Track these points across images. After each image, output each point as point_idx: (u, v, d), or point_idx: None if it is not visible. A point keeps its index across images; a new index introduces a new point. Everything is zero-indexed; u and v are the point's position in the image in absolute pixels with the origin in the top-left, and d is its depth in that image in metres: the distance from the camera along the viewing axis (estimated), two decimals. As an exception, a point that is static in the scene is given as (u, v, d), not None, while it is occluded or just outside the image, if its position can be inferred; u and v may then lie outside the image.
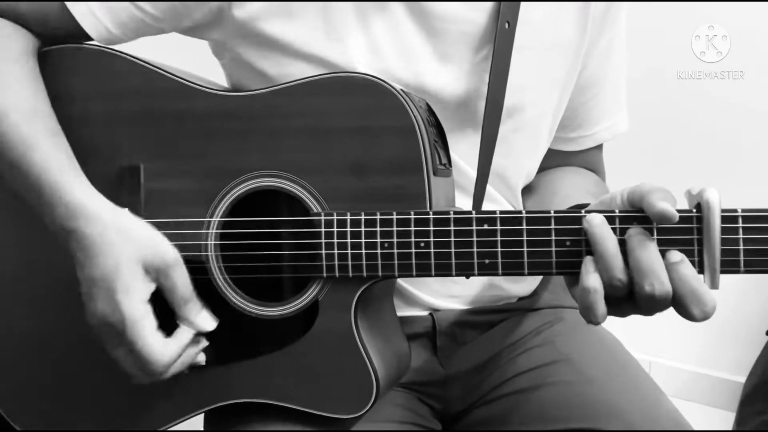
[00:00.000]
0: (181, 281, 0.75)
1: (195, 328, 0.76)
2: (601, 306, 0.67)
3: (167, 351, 0.74)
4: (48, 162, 0.75)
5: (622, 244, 0.67)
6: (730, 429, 1.79)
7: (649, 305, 0.66)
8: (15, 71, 0.79)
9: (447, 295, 0.94)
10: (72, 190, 0.74)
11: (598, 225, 0.67)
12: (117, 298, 0.72)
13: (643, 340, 2.00)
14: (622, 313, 0.69)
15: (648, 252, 0.66)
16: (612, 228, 0.67)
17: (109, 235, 0.73)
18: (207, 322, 0.77)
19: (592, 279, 0.67)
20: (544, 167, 0.99)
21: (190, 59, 0.94)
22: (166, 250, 0.74)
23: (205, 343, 0.78)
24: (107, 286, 0.72)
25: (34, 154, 0.75)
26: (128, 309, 0.72)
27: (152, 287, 0.74)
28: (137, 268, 0.73)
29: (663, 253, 0.66)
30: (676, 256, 0.66)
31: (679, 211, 0.65)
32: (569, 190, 0.93)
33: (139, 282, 0.73)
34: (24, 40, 0.82)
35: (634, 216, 0.67)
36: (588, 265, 0.67)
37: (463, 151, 0.87)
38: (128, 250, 0.73)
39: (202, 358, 0.79)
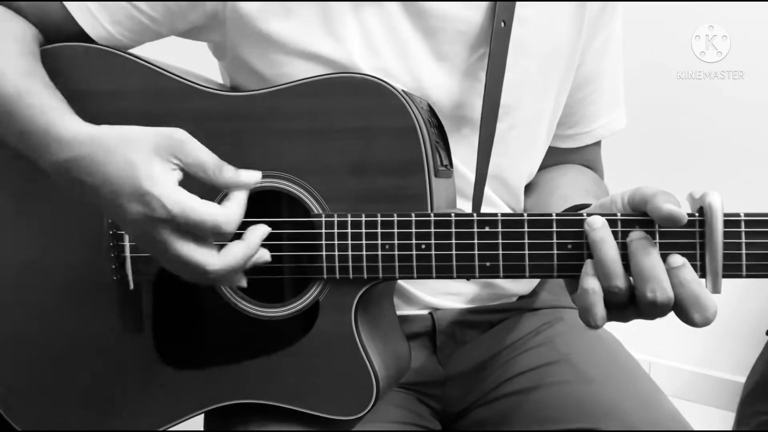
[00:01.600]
0: (203, 151, 0.70)
1: (242, 185, 0.71)
2: (600, 309, 0.66)
3: (228, 210, 0.69)
4: (41, 103, 0.74)
5: (623, 249, 0.66)
6: (730, 429, 1.79)
7: (651, 311, 0.66)
8: (14, 47, 0.79)
9: (446, 293, 0.94)
10: (63, 123, 0.72)
11: (598, 228, 0.67)
12: (151, 190, 0.67)
13: (643, 340, 2.00)
14: (623, 318, 0.69)
15: (649, 257, 0.65)
16: (613, 231, 0.67)
17: (109, 144, 0.70)
18: (250, 175, 0.71)
19: (590, 281, 0.67)
20: (542, 165, 0.99)
21: (190, 59, 0.94)
22: (171, 130, 0.70)
23: (267, 228, 0.73)
24: (134, 185, 0.67)
25: (27, 99, 0.74)
26: (166, 192, 0.67)
27: (177, 174, 0.69)
28: (152, 157, 0.68)
29: (664, 258, 0.66)
30: (677, 260, 0.65)
31: None
32: (567, 189, 0.93)
33: (161, 167, 0.68)
34: (24, 25, 0.83)
35: (636, 219, 0.67)
36: (587, 267, 0.67)
37: (461, 151, 0.87)
38: (135, 145, 0.69)
39: (267, 255, 0.74)
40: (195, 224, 0.67)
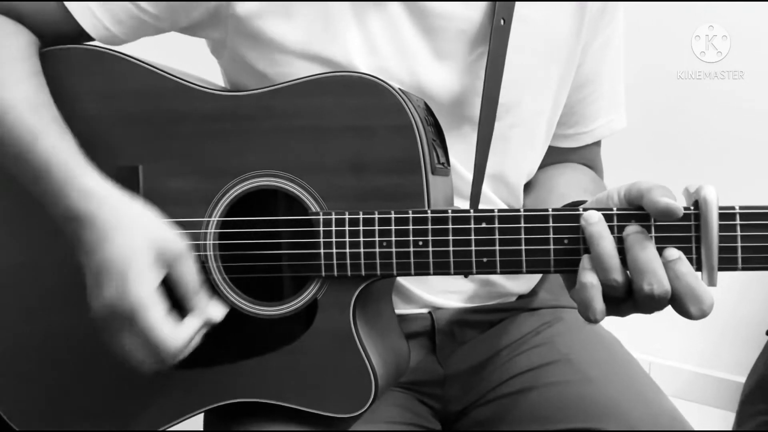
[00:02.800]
0: (191, 271, 0.75)
1: (205, 318, 0.76)
2: (599, 303, 0.67)
3: (179, 335, 0.73)
4: (57, 149, 0.75)
5: (620, 243, 0.67)
6: (730, 429, 1.79)
7: (648, 304, 0.66)
8: (18, 68, 0.79)
9: (445, 291, 0.94)
10: (84, 174, 0.74)
11: (595, 223, 0.67)
12: (129, 283, 0.71)
13: (643, 340, 2.00)
14: (621, 312, 0.69)
15: (646, 251, 0.65)
16: (610, 226, 0.67)
17: (123, 219, 0.73)
18: (217, 310, 0.77)
19: (588, 275, 0.67)
20: (542, 164, 0.99)
21: (188, 59, 0.95)
22: (177, 240, 0.75)
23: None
24: (120, 271, 0.71)
25: (43, 142, 0.75)
26: (141, 294, 0.71)
27: (161, 276, 0.74)
28: (150, 254, 0.72)
29: (660, 251, 0.66)
30: (673, 253, 0.66)
31: None
32: (566, 187, 0.93)
33: (151, 269, 0.72)
34: (26, 37, 0.83)
35: (632, 214, 0.67)
36: (585, 262, 0.67)
37: (460, 150, 0.87)
38: (142, 236, 0.73)
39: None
40: (146, 336, 0.72)
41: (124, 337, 0.73)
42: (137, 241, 0.72)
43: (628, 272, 0.67)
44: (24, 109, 0.76)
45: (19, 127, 0.75)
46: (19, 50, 0.81)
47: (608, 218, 0.68)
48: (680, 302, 0.65)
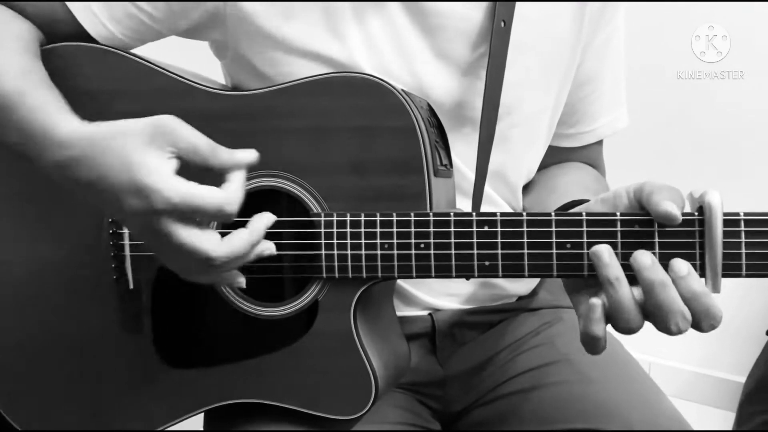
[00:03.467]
0: (196, 135, 0.69)
1: (238, 165, 0.69)
2: (604, 342, 0.66)
3: (228, 192, 0.67)
4: (39, 105, 0.73)
5: (627, 269, 0.66)
6: (730, 429, 1.79)
7: (669, 334, 0.66)
8: (14, 45, 0.79)
9: (445, 293, 0.94)
10: (61, 124, 0.71)
11: (607, 265, 0.66)
12: (147, 183, 0.65)
13: (643, 340, 1.99)
14: None
15: (667, 292, 0.64)
16: (614, 231, 0.67)
17: (103, 140, 0.69)
18: (246, 154, 0.70)
19: (600, 325, 0.66)
20: (544, 164, 0.99)
21: (191, 58, 0.94)
22: (163, 118, 0.69)
23: (272, 217, 0.72)
24: (130, 179, 0.66)
25: (26, 99, 0.73)
26: (164, 183, 0.65)
27: (174, 162, 0.68)
28: (146, 148, 0.67)
29: (666, 264, 0.65)
30: (682, 268, 0.65)
31: (681, 214, 0.64)
32: (567, 186, 0.93)
33: (156, 158, 0.67)
34: (25, 25, 0.82)
35: (635, 219, 0.67)
36: (597, 311, 0.66)
37: (461, 149, 0.87)
38: (128, 139, 0.68)
39: (272, 247, 0.73)
40: (196, 208, 0.66)
41: (178, 234, 0.67)
42: (128, 146, 0.67)
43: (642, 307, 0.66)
44: (13, 73, 0.75)
45: (7, 87, 0.74)
46: (17, 32, 0.81)
47: (612, 224, 0.67)
48: (695, 321, 0.65)
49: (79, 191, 0.72)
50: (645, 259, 0.65)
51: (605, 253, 0.66)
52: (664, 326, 0.64)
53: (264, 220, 0.71)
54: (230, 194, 0.67)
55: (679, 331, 0.64)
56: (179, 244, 0.67)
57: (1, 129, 0.76)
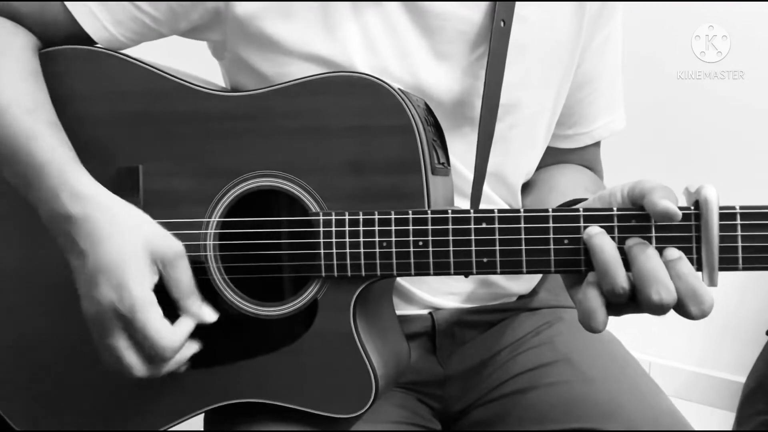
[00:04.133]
0: (186, 273, 0.75)
1: (197, 320, 0.76)
2: (602, 314, 0.66)
3: (175, 336, 0.73)
4: (52, 151, 0.75)
5: (622, 253, 0.66)
6: (730, 429, 1.79)
7: (653, 310, 0.65)
8: (16, 68, 0.79)
9: (446, 292, 0.94)
10: (79, 177, 0.74)
11: (596, 234, 0.67)
12: (128, 284, 0.71)
13: (643, 340, 2.00)
14: (621, 314, 0.68)
15: (651, 260, 0.65)
16: (610, 226, 0.67)
17: (118, 222, 0.73)
18: (208, 314, 0.77)
19: (593, 289, 0.66)
20: (541, 165, 0.99)
21: (189, 60, 0.95)
22: (173, 242, 0.75)
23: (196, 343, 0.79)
24: (117, 271, 0.71)
25: (38, 144, 0.75)
26: (139, 294, 0.71)
27: (156, 278, 0.74)
28: (146, 255, 0.73)
29: (661, 251, 0.66)
30: (674, 253, 0.65)
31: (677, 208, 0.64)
32: (566, 187, 0.93)
33: (148, 270, 0.73)
34: (25, 37, 0.83)
35: (632, 214, 0.67)
36: (590, 276, 0.67)
37: (460, 150, 0.87)
38: (138, 237, 0.73)
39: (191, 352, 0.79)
40: (145, 335, 0.72)
41: (117, 339, 0.73)
42: (133, 242, 0.72)
43: (630, 276, 0.66)
44: (20, 110, 0.76)
45: (14, 128, 0.75)
46: (17, 50, 0.81)
47: (609, 219, 0.67)
48: (681, 303, 0.64)
49: (65, 247, 0.75)
50: (593, 228, 0.68)
51: (594, 227, 0.68)
52: (647, 296, 0.64)
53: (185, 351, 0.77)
54: (176, 339, 0.74)
55: (661, 303, 0.63)
56: (111, 346, 0.73)
57: (7, 172, 0.78)
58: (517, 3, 0.84)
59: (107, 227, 0.72)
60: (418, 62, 0.85)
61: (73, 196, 0.73)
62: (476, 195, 0.84)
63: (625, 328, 0.96)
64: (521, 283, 0.99)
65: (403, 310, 0.92)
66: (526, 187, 1.00)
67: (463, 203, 0.87)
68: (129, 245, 0.72)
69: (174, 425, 0.84)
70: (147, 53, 0.85)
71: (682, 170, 1.92)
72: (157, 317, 0.72)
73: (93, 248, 0.72)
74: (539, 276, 1.03)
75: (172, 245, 0.74)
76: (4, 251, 0.85)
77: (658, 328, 1.81)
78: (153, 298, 0.72)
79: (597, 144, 1.04)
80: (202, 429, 0.92)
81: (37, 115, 0.77)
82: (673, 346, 2.12)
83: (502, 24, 0.84)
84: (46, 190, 0.74)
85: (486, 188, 0.89)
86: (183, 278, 0.75)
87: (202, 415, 0.85)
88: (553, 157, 1.00)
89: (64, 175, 0.74)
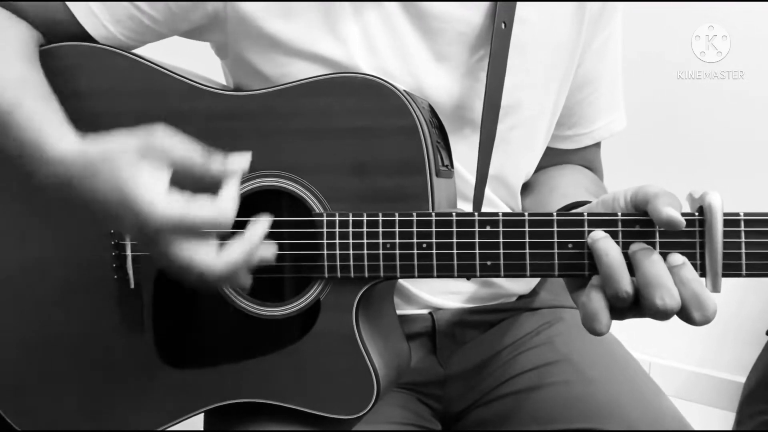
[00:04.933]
0: (189, 146, 0.69)
1: (232, 172, 0.69)
2: (605, 316, 0.66)
3: (222, 203, 0.67)
4: (29, 121, 0.73)
5: (626, 258, 0.66)
6: (730, 429, 1.80)
7: (658, 315, 0.65)
8: (11, 51, 0.78)
9: (446, 292, 0.94)
10: (52, 143, 0.71)
11: (600, 239, 0.67)
12: (136, 199, 0.65)
13: (643, 340, 2.00)
14: (623, 318, 0.68)
15: (655, 265, 0.65)
16: (614, 231, 0.67)
17: (94, 161, 0.69)
18: (239, 159, 0.70)
19: (597, 292, 0.66)
20: (542, 165, 0.99)
21: (193, 58, 0.94)
22: (152, 131, 0.68)
23: (266, 224, 0.71)
24: (120, 199, 0.66)
25: (20, 112, 0.73)
26: (152, 198, 0.65)
27: (166, 174, 0.67)
28: (138, 164, 0.67)
29: (664, 257, 0.66)
30: (677, 259, 0.65)
31: (681, 215, 0.64)
32: (567, 188, 0.93)
33: (148, 173, 0.67)
34: (23, 27, 0.82)
35: (636, 219, 0.67)
36: (594, 279, 0.67)
37: (461, 150, 0.87)
38: (119, 157, 0.68)
39: (271, 250, 0.73)
40: (191, 224, 0.66)
41: (175, 249, 0.67)
42: (120, 167, 0.67)
43: (634, 280, 0.66)
44: (11, 82, 0.75)
45: (5, 99, 0.74)
46: (15, 35, 0.80)
47: (613, 224, 0.68)
48: (685, 309, 0.64)
49: (77, 211, 0.72)
50: (597, 232, 0.67)
51: (599, 232, 0.67)
52: (651, 301, 0.64)
53: (260, 227, 0.70)
54: (223, 205, 0.67)
55: (665, 308, 0.63)
56: (177, 258, 0.67)
57: (1, 142, 0.76)
58: (518, 3, 0.84)
59: (90, 175, 0.69)
60: (418, 64, 0.85)
61: (50, 166, 0.71)
62: (478, 197, 0.84)
63: (625, 329, 0.95)
64: (522, 284, 0.99)
65: (403, 310, 0.92)
66: (526, 188, 1.00)
67: (464, 206, 0.87)
68: (118, 172, 0.67)
69: (174, 424, 0.84)
70: (151, 51, 0.85)
71: (681, 170, 1.92)
72: (187, 204, 0.66)
73: (92, 197, 0.69)
74: (540, 276, 1.03)
75: (154, 135, 0.68)
76: (5, 250, 0.85)
77: (659, 328, 1.81)
78: (172, 193, 0.67)
79: (597, 144, 1.04)
80: (203, 429, 0.92)
81: (26, 85, 0.75)
82: (673, 347, 2.12)
83: (503, 26, 0.84)
84: (29, 159, 0.72)
85: (487, 191, 0.89)
86: (187, 153, 0.68)
87: (202, 415, 0.86)
88: (553, 157, 1.00)
89: (39, 144, 0.71)
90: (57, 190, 0.71)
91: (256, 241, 0.70)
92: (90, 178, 0.69)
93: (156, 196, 0.66)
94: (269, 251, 0.72)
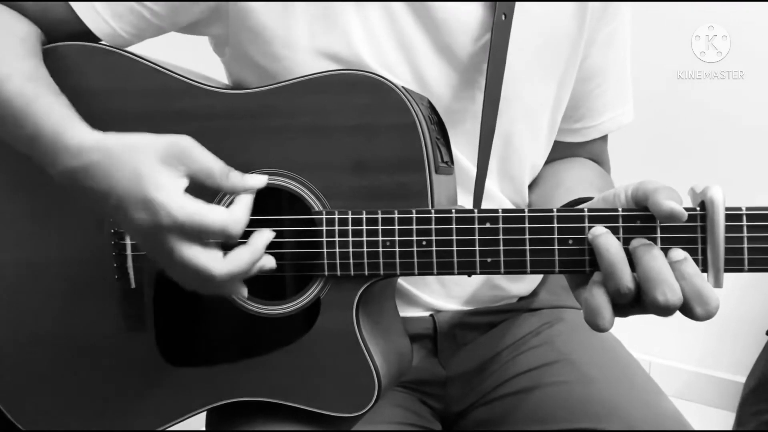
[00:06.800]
0: (209, 158, 0.70)
1: (248, 189, 0.72)
2: (608, 312, 0.65)
3: (234, 213, 0.69)
4: (48, 111, 0.73)
5: (627, 254, 0.66)
6: (730, 429, 1.80)
7: (659, 311, 0.65)
8: (18, 49, 0.79)
9: (447, 294, 0.94)
10: (72, 132, 0.72)
11: (600, 234, 0.67)
12: (151, 196, 0.67)
13: (643, 340, 2.00)
14: (626, 315, 0.68)
15: (657, 261, 0.64)
16: (615, 227, 0.67)
17: (115, 152, 0.70)
18: (257, 179, 0.73)
19: (599, 288, 0.66)
20: (549, 159, 0.99)
21: (191, 57, 0.94)
22: (178, 138, 0.70)
23: (271, 234, 0.74)
24: (136, 193, 0.68)
25: (35, 105, 0.74)
26: (168, 198, 0.67)
27: (184, 181, 0.69)
28: (158, 165, 0.68)
29: (665, 252, 0.65)
30: (679, 254, 0.65)
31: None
32: (573, 182, 0.93)
33: (167, 175, 0.68)
34: (27, 25, 0.83)
35: (637, 215, 0.67)
36: (595, 275, 0.67)
37: (463, 143, 0.87)
38: (141, 154, 0.69)
39: (272, 262, 0.75)
40: (201, 228, 0.68)
41: (181, 251, 0.68)
42: (139, 161, 0.68)
43: (635, 275, 0.65)
44: (21, 79, 0.75)
45: (16, 93, 0.74)
46: (20, 33, 0.81)
47: (614, 219, 0.67)
48: (687, 304, 0.64)
49: (87, 200, 0.72)
50: (597, 228, 0.67)
51: (599, 228, 0.67)
52: (652, 297, 0.64)
53: (263, 237, 0.73)
54: (236, 217, 0.70)
55: (667, 304, 0.63)
56: (181, 260, 0.69)
57: (11, 137, 0.77)
58: None
59: (107, 162, 0.70)
60: (419, 56, 0.85)
61: (69, 151, 0.71)
62: (478, 191, 0.84)
63: (625, 328, 0.96)
64: (522, 285, 0.99)
65: (404, 312, 0.92)
66: (531, 183, 1.00)
67: (466, 198, 0.87)
68: (136, 164, 0.68)
69: (176, 423, 0.84)
70: (149, 50, 0.84)
71: (681, 170, 1.92)
72: (202, 208, 0.68)
73: (107, 187, 0.69)
74: (540, 277, 1.03)
75: (179, 139, 0.70)
76: (6, 250, 0.85)
77: (659, 328, 1.81)
78: (187, 197, 0.68)
79: (604, 138, 1.03)
80: (203, 429, 0.92)
81: (38, 82, 0.76)
82: (673, 346, 2.12)
83: (503, 17, 0.84)
84: (45, 149, 0.73)
85: (492, 186, 0.89)
86: (208, 163, 0.70)
87: (203, 415, 0.85)
88: (560, 151, 1.00)
89: (58, 131, 0.72)
90: (70, 178, 0.72)
91: (260, 251, 0.72)
92: (109, 167, 0.69)
93: (170, 196, 0.67)
94: (270, 263, 0.74)
